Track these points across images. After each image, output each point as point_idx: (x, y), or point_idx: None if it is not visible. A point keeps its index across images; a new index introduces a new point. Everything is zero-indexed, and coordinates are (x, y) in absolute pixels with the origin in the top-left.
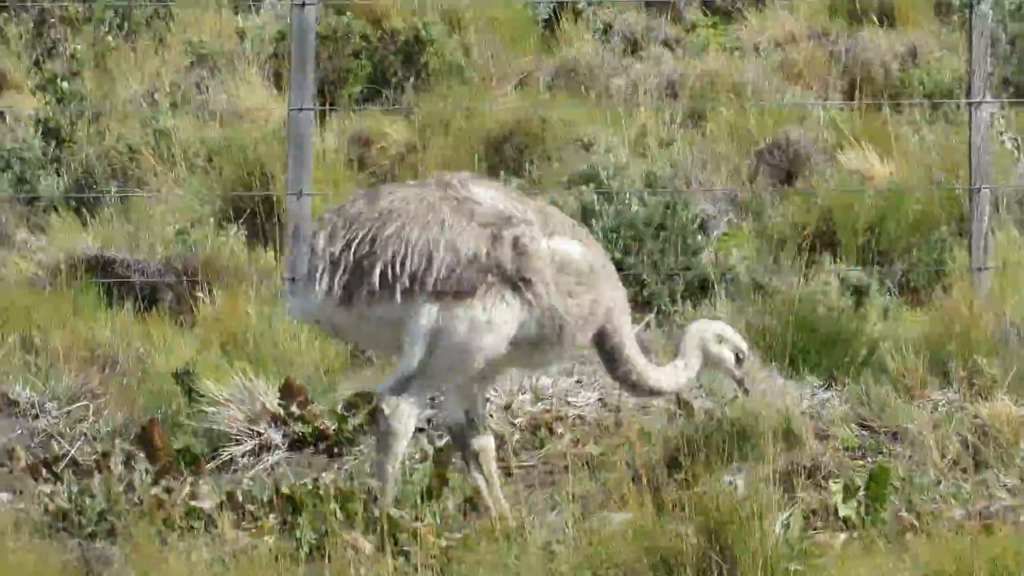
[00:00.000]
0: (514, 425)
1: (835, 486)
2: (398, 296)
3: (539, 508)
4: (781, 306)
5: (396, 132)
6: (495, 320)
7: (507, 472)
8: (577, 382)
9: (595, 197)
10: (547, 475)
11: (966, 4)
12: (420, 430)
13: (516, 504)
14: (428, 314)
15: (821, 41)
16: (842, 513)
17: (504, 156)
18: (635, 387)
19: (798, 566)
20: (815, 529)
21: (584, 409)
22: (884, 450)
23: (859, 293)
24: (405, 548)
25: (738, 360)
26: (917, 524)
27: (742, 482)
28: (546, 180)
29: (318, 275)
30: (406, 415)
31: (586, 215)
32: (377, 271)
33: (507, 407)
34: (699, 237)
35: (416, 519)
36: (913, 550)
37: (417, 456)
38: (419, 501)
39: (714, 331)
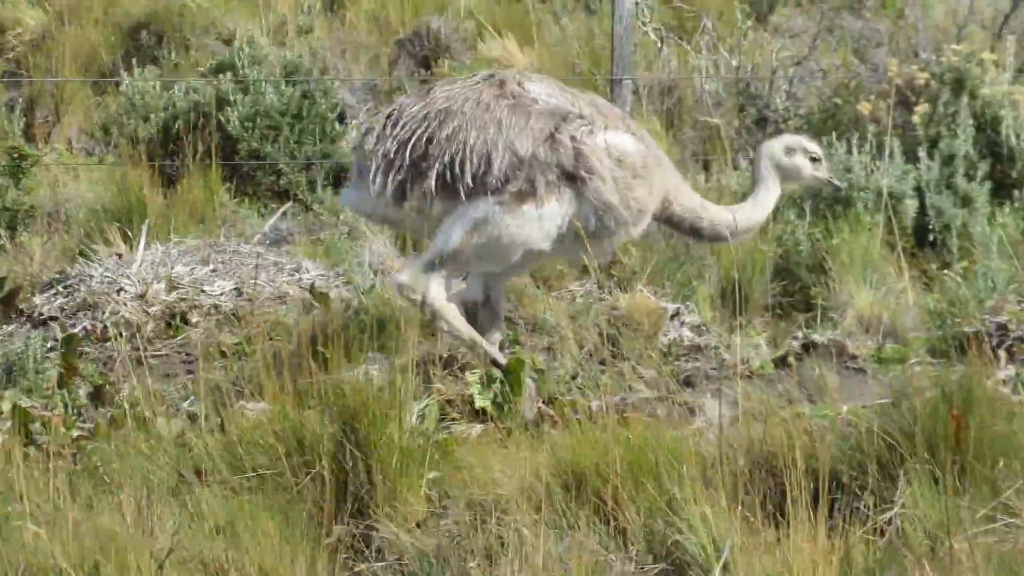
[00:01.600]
0: (148, 314)
1: (472, 377)
2: (460, 196)
3: (174, 398)
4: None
5: (32, 18)
6: (545, 217)
7: (138, 362)
8: (212, 271)
9: (231, 87)
10: (182, 364)
11: None
12: (53, 318)
13: (148, 395)
14: (483, 208)
15: None
16: (478, 404)
17: (141, 44)
18: (717, 237)
19: (434, 455)
20: (452, 420)
21: (220, 299)
22: (521, 341)
23: None
24: (36, 438)
25: (814, 161)
26: (554, 414)
27: (379, 372)
28: (184, 69)
29: (372, 174)
30: (435, 291)
31: (222, 104)
32: (435, 173)
33: (142, 296)
34: (337, 126)
35: (47, 408)
36: (550, 441)
37: (48, 345)
38: (53, 390)
39: (782, 145)
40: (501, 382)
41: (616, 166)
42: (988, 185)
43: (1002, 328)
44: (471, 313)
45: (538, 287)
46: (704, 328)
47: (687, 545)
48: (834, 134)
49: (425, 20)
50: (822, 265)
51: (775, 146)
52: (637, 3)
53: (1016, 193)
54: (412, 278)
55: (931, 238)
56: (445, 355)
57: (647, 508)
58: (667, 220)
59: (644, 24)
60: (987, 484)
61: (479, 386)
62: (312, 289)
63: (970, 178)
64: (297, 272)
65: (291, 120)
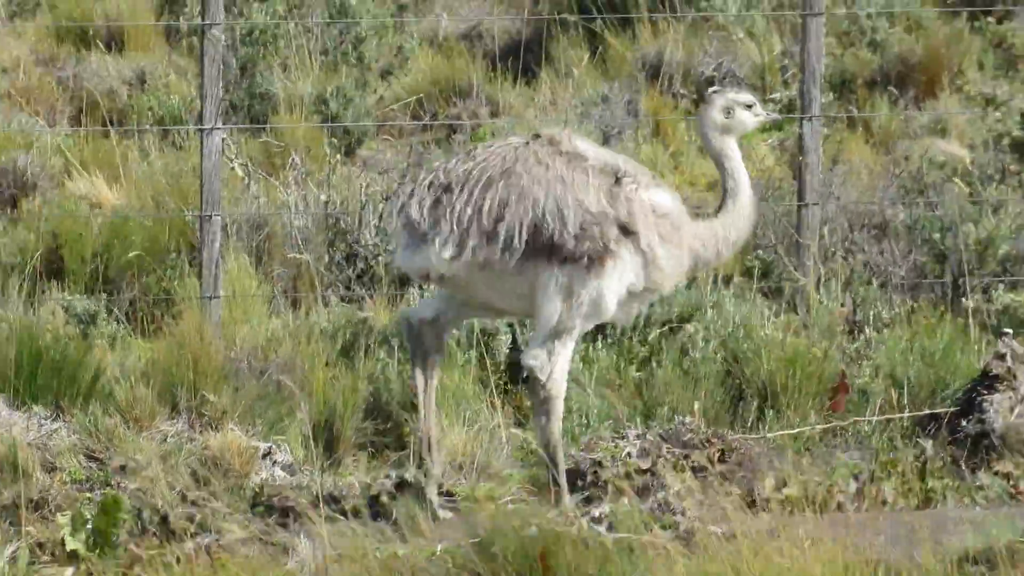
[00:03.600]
0: None
1: (62, 519)
2: (534, 259)
3: None
4: (5, 336)
5: None
6: (620, 274)
7: None
8: None
9: None
10: None
11: (196, 29)
12: None
13: None
14: (566, 271)
15: (48, 67)
16: (69, 546)
17: None
18: (719, 255)
19: None
20: (42, 563)
21: None
22: (112, 482)
23: (87, 322)
24: None
25: (749, 107)
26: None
27: None
28: None
29: (445, 236)
30: (561, 373)
31: None
32: (512, 232)
33: None
34: None
35: None
36: None
37: None
38: None
39: (718, 110)
40: (94, 523)
41: (658, 220)
42: None
43: (596, 464)
44: (415, 334)
45: (128, 427)
46: (296, 467)
47: None
48: None
49: (11, 156)
50: (414, 403)
51: (714, 117)
52: (224, 139)
53: (608, 329)
54: (538, 369)
55: (525, 374)
56: (35, 497)
57: None
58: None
59: (231, 160)
60: None
61: (69, 528)
62: None
63: None
64: None
65: None
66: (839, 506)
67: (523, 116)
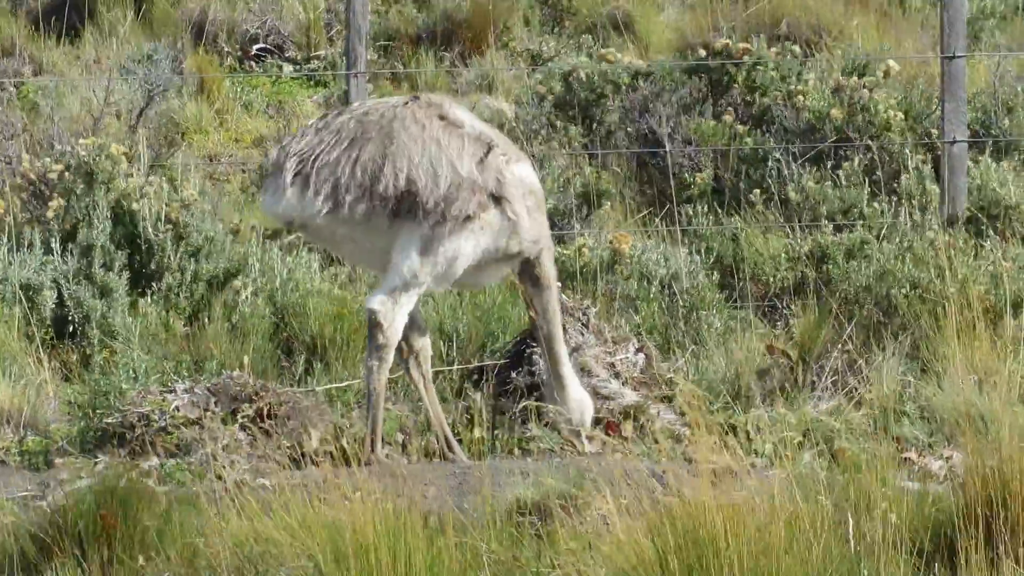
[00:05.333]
0: None
1: None
2: (401, 213)
3: None
4: None
5: None
6: (483, 234)
7: None
8: None
9: None
10: None
11: None
12: None
13: None
14: (428, 229)
15: None
16: None
17: None
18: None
19: None
20: None
21: None
22: None
23: None
24: None
25: None
26: None
27: None
28: None
29: (312, 184)
30: (399, 324)
31: None
32: (386, 187)
33: None
34: None
35: None
36: None
37: None
38: None
39: None
40: None
41: (525, 194)
42: (127, 276)
43: (145, 418)
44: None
45: None
46: None
47: None
48: None
49: None
50: None
51: None
52: None
53: (155, 284)
54: (380, 314)
55: (71, 329)
56: None
57: None
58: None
59: None
60: None
61: None
62: None
63: (108, 269)
64: None
65: None
66: (389, 456)
67: (67, 74)
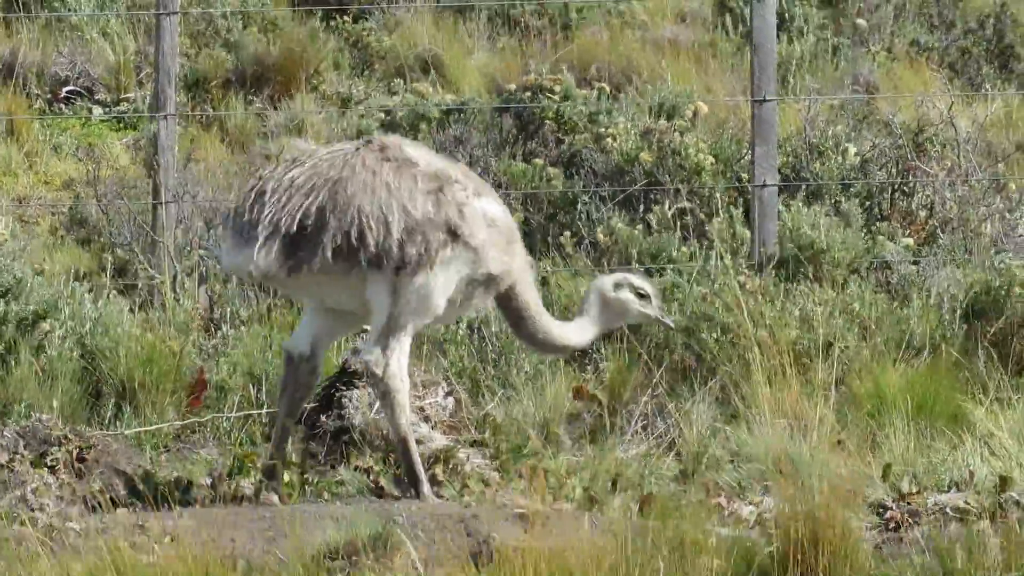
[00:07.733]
0: None
1: None
2: (361, 263)
3: None
4: None
5: None
6: (450, 268)
7: None
8: None
9: None
10: None
11: None
12: None
13: None
14: (391, 274)
15: None
16: None
17: None
18: (543, 345)
19: None
20: None
21: None
22: None
23: None
24: None
25: (642, 297)
26: None
27: None
28: None
29: (260, 241)
30: (398, 367)
31: None
32: (334, 240)
33: None
34: None
35: None
36: None
37: None
38: None
39: (612, 280)
40: None
41: (488, 228)
42: None
43: None
44: (294, 366)
45: None
46: None
47: None
48: None
49: None
50: None
51: (606, 281)
52: None
53: None
54: (373, 364)
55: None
56: None
57: None
58: (508, 304)
59: None
60: None
61: None
62: None
63: None
64: None
65: None
66: (199, 501)
67: None
